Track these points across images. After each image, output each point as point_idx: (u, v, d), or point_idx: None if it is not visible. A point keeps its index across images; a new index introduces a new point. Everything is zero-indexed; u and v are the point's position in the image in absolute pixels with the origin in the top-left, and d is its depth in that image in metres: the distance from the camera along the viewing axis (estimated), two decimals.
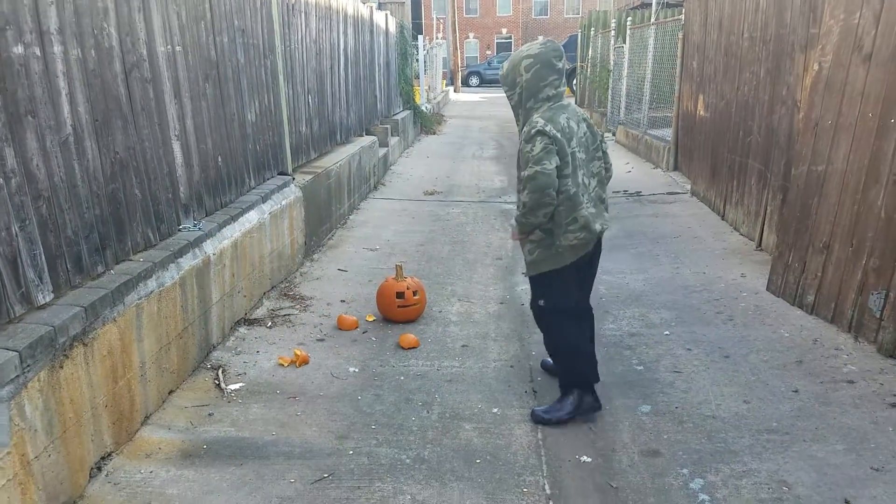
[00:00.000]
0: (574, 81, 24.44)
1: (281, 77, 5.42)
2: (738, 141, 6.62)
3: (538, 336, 4.29)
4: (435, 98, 19.13)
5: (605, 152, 3.32)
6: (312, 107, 6.37)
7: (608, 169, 3.37)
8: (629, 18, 13.09)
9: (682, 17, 9.34)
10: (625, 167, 10.29)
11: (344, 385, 3.66)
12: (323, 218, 6.31)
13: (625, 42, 12.88)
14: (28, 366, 2.33)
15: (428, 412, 3.37)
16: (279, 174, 5.43)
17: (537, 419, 3.27)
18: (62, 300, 2.68)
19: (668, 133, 10.35)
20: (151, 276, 3.19)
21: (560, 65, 3.07)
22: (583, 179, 3.12)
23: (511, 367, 3.89)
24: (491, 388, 3.64)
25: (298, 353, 3.90)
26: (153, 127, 3.45)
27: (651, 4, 21.15)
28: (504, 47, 44.68)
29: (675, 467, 2.87)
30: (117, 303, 2.89)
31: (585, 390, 3.29)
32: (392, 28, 11.75)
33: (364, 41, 9.07)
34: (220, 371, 3.74)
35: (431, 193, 8.72)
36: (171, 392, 3.43)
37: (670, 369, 3.79)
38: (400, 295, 4.45)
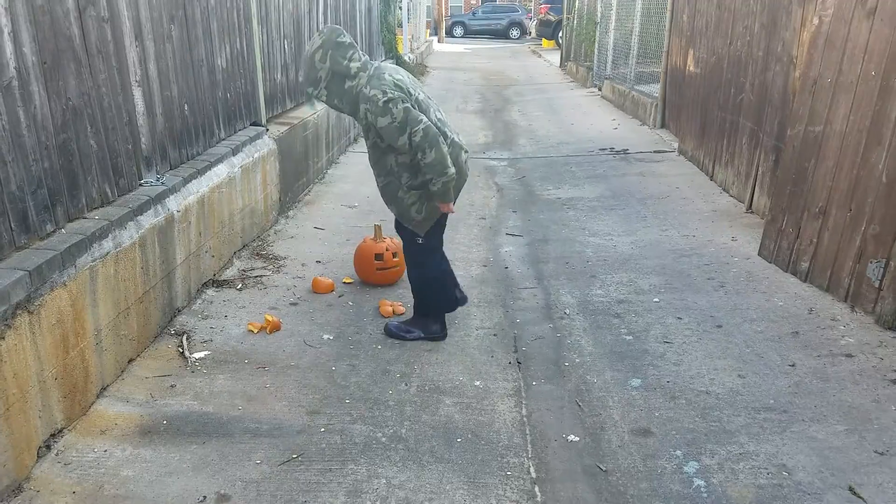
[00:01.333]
0: (559, 34, 23.99)
1: (255, 20, 5.06)
2: (729, 99, 6.40)
3: (523, 302, 4.13)
4: (418, 48, 18.58)
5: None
6: (289, 53, 6.01)
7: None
8: None
9: None
10: (611, 123, 10.05)
11: (317, 354, 3.46)
12: (299, 172, 6.02)
13: None
14: None
15: (406, 385, 3.19)
16: (252, 125, 5.12)
17: (390, 332, 3.60)
18: (4, 263, 2.42)
19: (655, 89, 10.08)
20: (107, 235, 2.93)
21: (347, 39, 3.13)
22: (436, 117, 3.26)
23: (494, 335, 3.71)
24: (473, 358, 3.46)
25: (269, 318, 3.69)
26: (111, 72, 3.14)
27: None
28: None
29: (668, 448, 2.73)
30: (67, 265, 2.63)
31: (437, 318, 3.59)
32: None
33: None
34: (184, 337, 3.51)
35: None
36: (130, 361, 3.21)
37: (661, 339, 3.64)
38: (378, 257, 4.23)
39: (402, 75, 3.26)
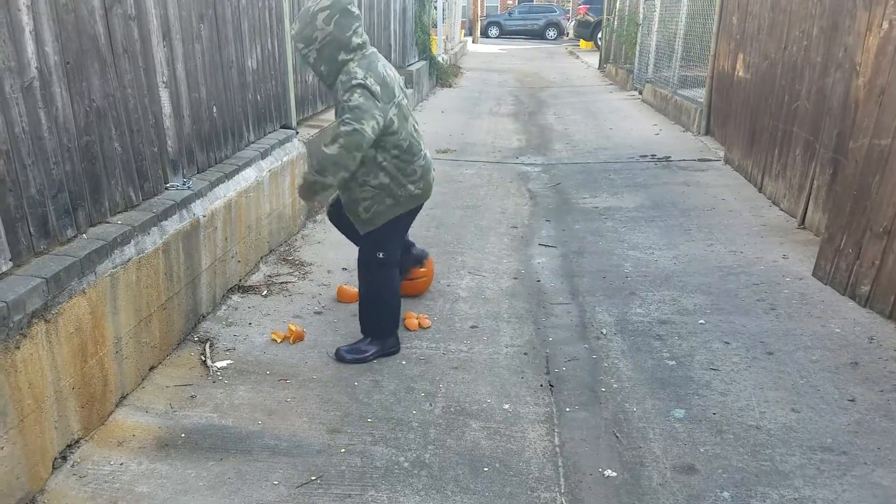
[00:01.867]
0: (598, 35, 23.62)
1: (286, 20, 4.95)
2: (782, 106, 6.11)
3: (556, 318, 3.94)
4: (452, 49, 18.44)
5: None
6: None
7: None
8: None
9: None
10: (652, 129, 9.77)
11: (339, 368, 3.32)
12: None
13: None
14: None
15: (431, 405, 3.03)
16: (282, 127, 5.01)
17: (340, 357, 3.36)
18: (22, 270, 2.33)
19: (699, 94, 9.77)
20: (129, 241, 2.83)
21: (356, 10, 2.99)
22: (413, 127, 3.17)
23: (525, 354, 3.53)
24: (502, 378, 3.29)
25: (293, 328, 3.56)
26: (137, 72, 3.04)
27: None
28: None
29: (714, 489, 2.53)
30: (87, 272, 2.53)
31: (389, 334, 3.42)
32: None
33: None
34: (207, 345, 3.41)
35: (444, 151, 8.27)
36: (152, 368, 3.11)
37: (706, 366, 3.42)
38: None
39: (394, 74, 3.16)
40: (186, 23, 3.46)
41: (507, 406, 3.04)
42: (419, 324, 3.76)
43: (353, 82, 2.91)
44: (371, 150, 3.04)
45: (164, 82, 3.26)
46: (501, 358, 3.47)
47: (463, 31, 24.83)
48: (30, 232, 2.39)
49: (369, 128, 2.88)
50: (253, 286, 4.15)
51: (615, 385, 3.25)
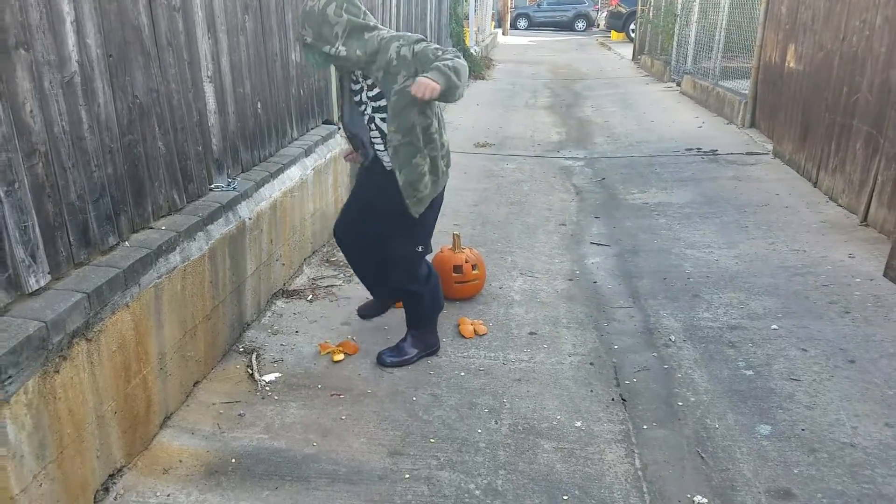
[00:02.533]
0: (630, 26, 23.13)
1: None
2: (840, 99, 5.78)
3: (618, 324, 3.71)
4: (483, 41, 18.15)
5: None
6: None
7: None
8: None
9: None
10: (695, 121, 9.44)
11: (395, 380, 3.12)
12: None
13: None
14: (10, 377, 1.81)
15: (496, 423, 2.81)
16: (324, 123, 4.82)
17: (382, 362, 3.22)
18: (62, 283, 2.15)
19: (742, 85, 9.40)
20: (175, 248, 2.65)
21: None
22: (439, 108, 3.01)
23: (591, 364, 3.31)
24: (569, 392, 3.06)
25: (348, 344, 3.36)
26: (181, 66, 2.86)
27: None
28: None
29: None
30: (131, 284, 2.35)
31: (434, 325, 3.33)
32: None
33: None
34: (253, 356, 3.23)
35: (483, 146, 8.03)
36: (196, 384, 2.93)
37: (786, 376, 3.17)
38: (457, 269, 3.86)
39: None
40: (231, 14, 3.28)
41: (578, 423, 2.82)
42: (475, 330, 3.55)
43: (416, 36, 2.82)
44: (424, 117, 2.87)
45: (208, 77, 3.08)
46: (566, 368, 3.25)
47: (493, 22, 24.51)
48: (69, 241, 2.22)
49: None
50: (297, 290, 3.97)
51: (692, 398, 3.01)
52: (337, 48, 2.74)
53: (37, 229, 2.04)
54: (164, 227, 2.68)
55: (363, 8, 2.83)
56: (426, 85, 2.58)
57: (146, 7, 2.60)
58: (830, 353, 3.36)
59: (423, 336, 3.31)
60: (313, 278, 4.18)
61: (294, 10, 4.13)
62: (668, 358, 3.35)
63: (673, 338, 3.54)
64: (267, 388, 3.00)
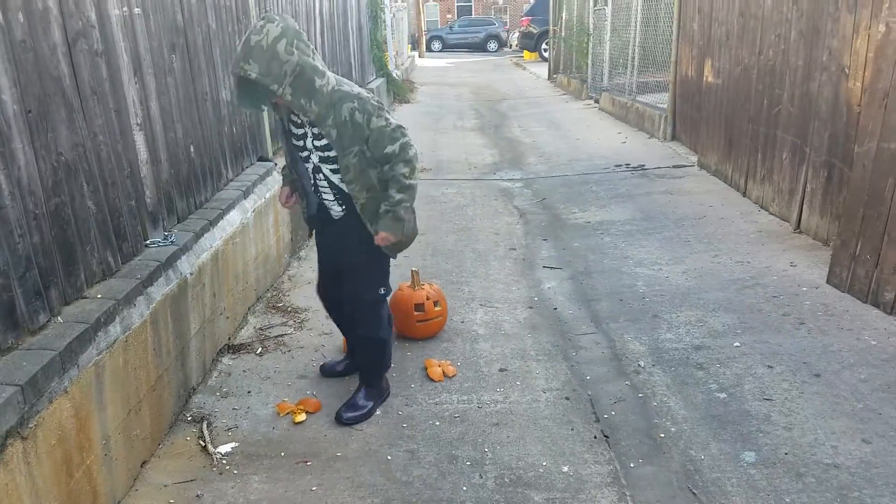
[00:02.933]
0: (542, 46, 23.66)
1: None
2: (762, 111, 5.97)
3: (586, 352, 3.63)
4: (402, 64, 18.12)
5: None
6: None
7: None
8: None
9: None
10: (618, 137, 9.62)
11: (366, 438, 2.91)
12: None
13: (606, 4, 12.10)
14: None
15: (481, 477, 2.65)
16: (259, 160, 4.57)
17: (341, 421, 3.00)
18: None
19: (659, 99, 9.67)
20: (114, 318, 2.37)
21: (300, 29, 2.64)
22: None
23: (566, 399, 3.20)
24: (550, 433, 2.93)
25: (309, 401, 3.12)
26: (108, 115, 2.60)
27: None
28: (465, 11, 43.39)
29: None
30: (69, 367, 2.08)
31: (384, 372, 3.19)
32: None
33: (337, 3, 8.12)
34: (204, 425, 2.95)
35: (420, 171, 7.89)
36: (143, 463, 2.64)
37: (759, 396, 3.15)
38: (419, 307, 3.70)
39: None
40: (157, 55, 3.03)
41: (566, 468, 2.68)
42: (443, 372, 3.39)
43: (373, 102, 2.73)
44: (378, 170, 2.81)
45: (138, 124, 2.82)
46: (542, 406, 3.12)
47: (409, 45, 24.58)
48: None
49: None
50: (244, 344, 3.70)
51: (673, 429, 2.94)
52: (283, 89, 2.53)
53: None
54: (100, 296, 2.40)
55: (311, 46, 2.65)
56: (386, 238, 2.79)
57: (65, 54, 2.34)
58: (795, 367, 3.37)
59: (377, 384, 3.15)
60: (260, 328, 3.92)
61: (222, 46, 3.90)
62: (640, 385, 3.28)
63: (642, 363, 3.48)
64: (224, 462, 2.74)
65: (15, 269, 2.01)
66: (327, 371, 3.41)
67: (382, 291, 3.02)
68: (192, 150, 3.40)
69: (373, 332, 3.04)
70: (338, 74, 2.98)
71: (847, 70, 4.58)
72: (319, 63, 2.64)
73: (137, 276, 2.60)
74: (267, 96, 2.64)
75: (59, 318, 2.20)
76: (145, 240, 2.89)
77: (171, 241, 2.97)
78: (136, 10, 2.83)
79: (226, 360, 3.54)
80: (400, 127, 2.74)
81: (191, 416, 3.03)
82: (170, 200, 3.14)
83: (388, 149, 2.71)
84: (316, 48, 6.68)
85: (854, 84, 4.47)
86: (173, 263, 2.90)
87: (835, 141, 4.75)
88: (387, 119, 2.71)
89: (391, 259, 3.03)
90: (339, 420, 3.01)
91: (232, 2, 4.12)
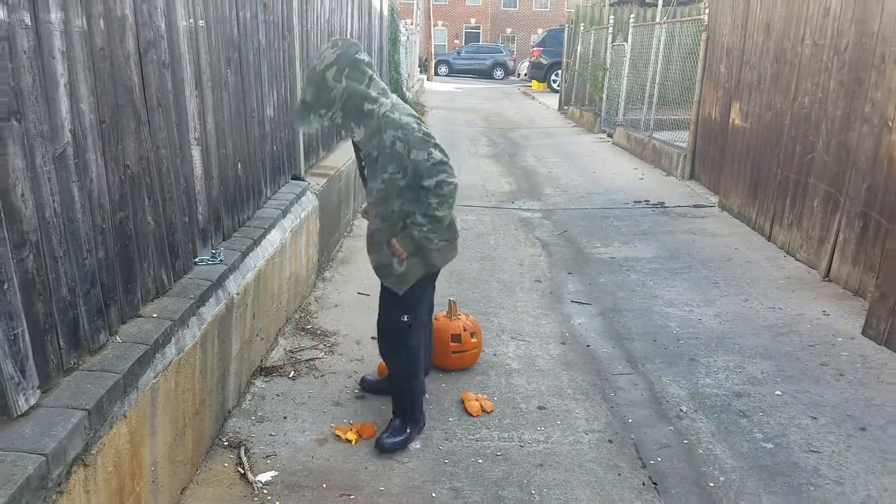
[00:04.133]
0: (551, 77, 23.85)
1: (297, 63, 4.50)
2: (793, 157, 5.96)
3: (624, 393, 3.55)
4: (413, 87, 18.22)
5: None
6: None
7: None
8: (632, 15, 12.40)
9: (705, 17, 8.68)
10: (634, 172, 9.63)
11: (408, 472, 2.82)
12: (333, 227, 5.42)
13: (626, 40, 12.20)
14: None
15: None
16: (293, 179, 4.52)
17: (383, 448, 2.94)
18: (53, 398, 1.78)
19: (677, 137, 9.70)
20: (171, 339, 2.29)
21: (366, 57, 2.70)
22: None
23: (609, 441, 3.12)
24: (597, 476, 2.85)
25: (366, 427, 3.07)
26: (170, 128, 2.54)
27: (628, 1, 20.66)
28: (472, 37, 43.90)
29: None
30: (130, 390, 2.00)
31: (420, 399, 3.12)
32: (385, 10, 10.81)
33: (364, 23, 8.14)
34: (241, 451, 2.85)
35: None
36: (183, 490, 2.54)
37: (805, 448, 3.08)
38: (456, 338, 3.63)
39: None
40: (216, 68, 2.98)
41: None
42: (481, 407, 3.30)
43: (419, 133, 2.69)
44: (409, 203, 2.79)
45: (195, 139, 2.76)
46: (586, 448, 3.04)
47: (419, 69, 24.75)
48: (59, 345, 1.85)
49: (454, 171, 2.77)
50: (276, 367, 3.61)
51: (721, 478, 2.86)
52: (334, 113, 2.63)
53: (26, 337, 1.68)
54: (155, 315, 2.32)
55: (370, 72, 2.66)
56: (395, 247, 2.82)
57: (137, 64, 2.29)
58: (839, 420, 3.31)
59: (409, 414, 3.08)
60: (290, 350, 3.83)
61: (270, 63, 3.86)
62: (684, 431, 3.21)
63: (684, 408, 3.41)
64: (265, 491, 2.64)
65: (81, 285, 1.94)
66: (367, 385, 3.42)
67: (405, 319, 2.97)
68: (239, 167, 3.34)
69: (392, 363, 3.06)
70: None
71: (891, 123, 4.58)
72: (374, 89, 2.67)
73: (190, 295, 2.53)
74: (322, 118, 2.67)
75: (117, 338, 2.12)
76: (195, 257, 2.82)
77: (221, 260, 2.89)
78: (201, 23, 2.79)
79: (259, 382, 3.45)
80: (442, 163, 2.70)
81: (227, 441, 2.94)
82: (218, 218, 3.08)
83: (426, 182, 2.70)
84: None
85: None
86: (223, 283, 2.82)
87: (873, 192, 4.73)
88: (429, 153, 2.68)
89: (419, 293, 2.98)
90: (380, 446, 2.96)
91: (279, 18, 4.09)
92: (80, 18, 1.90)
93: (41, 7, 1.71)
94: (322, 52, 2.65)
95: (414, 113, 2.80)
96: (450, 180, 2.71)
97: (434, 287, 3.26)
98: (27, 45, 1.67)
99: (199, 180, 2.81)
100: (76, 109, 1.92)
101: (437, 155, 2.69)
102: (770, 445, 3.10)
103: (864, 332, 4.27)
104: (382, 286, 3.01)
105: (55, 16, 1.77)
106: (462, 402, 3.36)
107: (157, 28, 2.40)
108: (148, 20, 2.33)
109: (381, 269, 2.94)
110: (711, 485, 2.83)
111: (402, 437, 2.99)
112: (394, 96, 2.81)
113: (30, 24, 1.67)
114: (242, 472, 2.73)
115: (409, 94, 15.15)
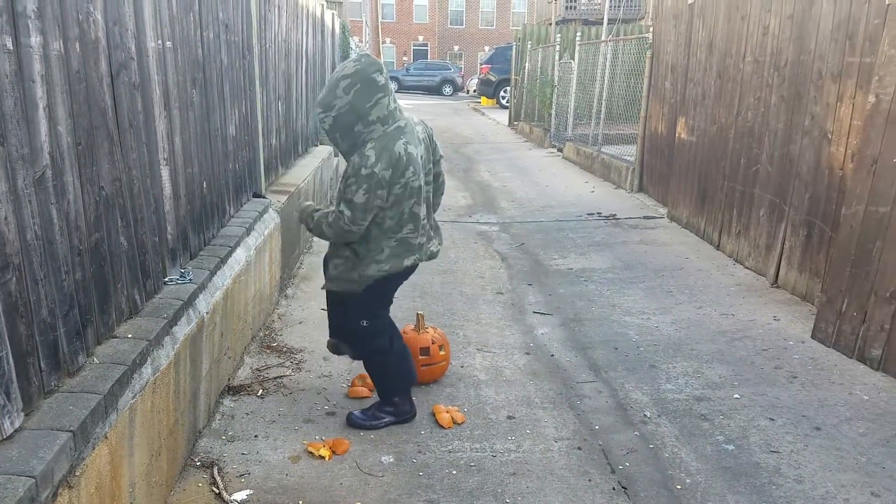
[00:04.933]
0: (500, 93, 24.25)
1: (258, 82, 4.51)
2: (738, 169, 6.23)
3: (590, 401, 3.65)
4: None
5: (439, 172, 3.22)
6: (282, 115, 5.46)
7: (438, 189, 3.27)
8: (578, 34, 12.74)
9: (650, 35, 9.00)
10: (586, 186, 9.88)
11: (383, 486, 2.85)
12: (293, 243, 5.41)
13: (573, 58, 12.52)
14: None
15: None
16: (254, 196, 4.51)
17: (352, 422, 3.23)
18: (37, 420, 1.77)
19: (624, 151, 10.00)
20: (147, 359, 2.28)
21: (382, 80, 2.81)
22: (410, 209, 2.94)
23: (578, 448, 3.20)
24: (569, 484, 2.93)
25: (339, 443, 3.08)
26: (141, 149, 2.54)
27: (573, 20, 21.22)
28: (420, 54, 44.20)
29: None
30: (111, 411, 1.98)
31: (401, 397, 3.28)
32: (337, 28, 10.85)
33: (318, 41, 8.17)
34: (214, 470, 2.83)
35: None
36: None
37: (765, 448, 3.22)
38: (424, 351, 3.67)
39: (416, 152, 2.90)
40: (182, 88, 2.98)
41: None
42: (452, 419, 3.35)
43: (363, 172, 2.78)
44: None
45: (165, 159, 2.76)
46: (556, 456, 3.12)
47: None
48: (40, 367, 1.83)
49: (364, 224, 2.87)
50: (244, 385, 3.59)
51: (688, 480, 2.97)
52: (326, 117, 2.82)
53: (10, 360, 1.66)
54: (129, 336, 2.31)
55: (380, 94, 2.78)
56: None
57: (109, 86, 2.28)
58: (796, 420, 3.47)
59: (391, 403, 3.29)
60: (257, 369, 3.81)
61: (231, 82, 3.87)
62: (650, 436, 3.32)
63: (648, 413, 3.52)
64: None
65: (61, 307, 1.92)
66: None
67: (365, 324, 3.14)
68: (204, 185, 3.34)
69: (361, 355, 3.30)
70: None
71: (830, 135, 4.84)
72: (378, 112, 2.78)
73: (163, 315, 2.51)
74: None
75: (94, 359, 2.10)
76: (164, 277, 2.80)
77: (190, 279, 2.88)
78: (168, 44, 2.79)
79: (227, 401, 3.43)
80: (343, 213, 2.84)
81: (199, 461, 2.91)
82: (185, 237, 3.06)
83: (337, 206, 2.92)
84: (302, 86, 6.70)
85: (837, 149, 4.72)
86: (193, 302, 2.81)
87: (815, 201, 4.99)
88: (352, 190, 2.79)
89: (367, 301, 3.11)
90: (350, 420, 3.25)
91: (240, 38, 4.10)
92: (58, 42, 1.90)
93: (22, 31, 1.71)
94: (347, 61, 2.84)
95: (408, 149, 2.82)
96: (349, 226, 2.86)
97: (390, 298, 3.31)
98: (9, 69, 1.66)
99: (168, 200, 2.80)
100: (54, 132, 1.91)
101: (359, 198, 2.79)
102: (732, 447, 3.23)
103: (813, 336, 4.48)
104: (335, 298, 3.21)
105: (35, 40, 1.77)
106: (433, 414, 3.40)
107: (128, 50, 2.40)
108: (120, 42, 2.33)
109: (325, 259, 3.20)
110: (679, 487, 2.93)
111: (371, 421, 3.24)
112: (400, 125, 2.87)
113: (11, 48, 1.67)
114: (217, 491, 2.71)
115: None
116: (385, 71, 2.84)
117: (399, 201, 2.89)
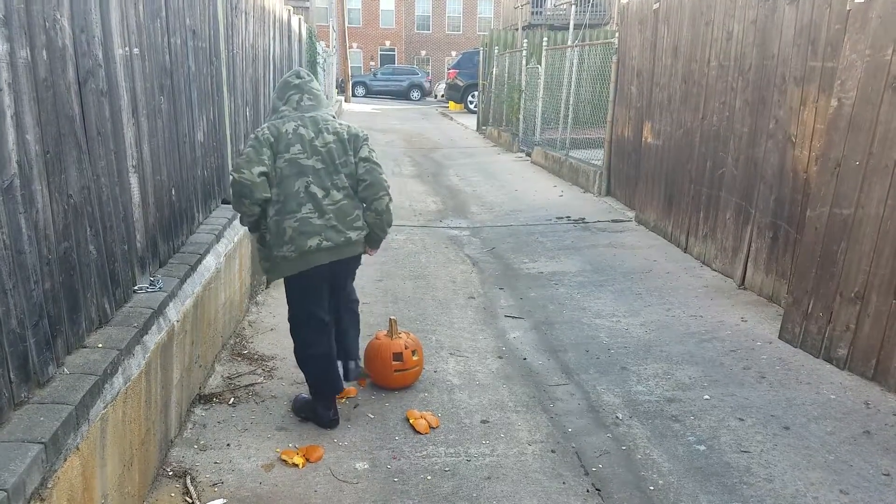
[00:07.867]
0: (468, 98, 24.32)
1: (225, 87, 4.47)
2: (704, 172, 6.34)
3: (562, 403, 3.69)
4: (331, 108, 18.13)
5: (370, 167, 3.29)
6: (250, 121, 5.41)
7: (364, 184, 3.28)
8: (545, 39, 12.87)
9: (615, 40, 9.13)
10: (554, 190, 9.95)
11: (358, 493, 2.84)
12: None
13: (540, 63, 12.63)
14: None
15: None
16: (223, 202, 4.46)
17: (295, 408, 3.43)
18: (6, 432, 1.75)
19: (591, 155, 10.11)
20: (118, 369, 2.24)
21: (296, 80, 3.24)
22: (305, 189, 3.07)
23: (552, 451, 3.23)
24: (543, 487, 2.95)
25: (312, 450, 3.05)
26: (109, 157, 2.50)
27: (539, 25, 21.43)
28: (388, 59, 44.10)
29: None
30: (82, 422, 1.95)
31: (319, 401, 3.32)
32: (304, 33, 10.81)
33: (285, 47, 8.12)
34: (187, 480, 2.80)
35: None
36: None
37: (736, 448, 3.28)
38: (398, 357, 3.67)
39: (315, 137, 3.13)
40: (150, 95, 2.94)
41: None
42: (428, 424, 3.35)
43: (252, 134, 3.13)
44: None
45: (133, 166, 2.72)
46: (530, 459, 3.14)
47: (336, 90, 24.70)
48: (10, 379, 1.80)
49: (248, 173, 2.98)
50: (215, 394, 3.55)
51: (660, 481, 3.01)
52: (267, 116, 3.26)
53: None
54: (100, 345, 2.27)
55: (291, 93, 3.20)
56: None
57: (77, 94, 2.25)
58: (765, 420, 3.54)
59: (313, 400, 3.36)
60: (228, 377, 3.77)
61: (199, 88, 3.82)
62: (622, 438, 3.36)
63: (619, 415, 3.56)
64: None
65: (30, 317, 1.88)
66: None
67: (289, 312, 3.37)
68: (173, 192, 3.29)
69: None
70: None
71: (794, 139, 4.96)
72: (289, 105, 3.18)
73: (134, 324, 2.47)
74: None
75: (64, 370, 2.06)
76: (134, 285, 2.76)
77: (160, 287, 2.84)
78: (136, 51, 2.75)
79: (198, 410, 3.38)
80: (241, 157, 3.08)
81: (171, 470, 2.87)
82: (154, 244, 3.02)
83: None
84: (269, 92, 6.65)
85: (801, 152, 4.84)
86: (163, 310, 2.77)
87: (780, 204, 5.10)
88: (242, 150, 3.29)
89: (294, 295, 3.33)
90: (295, 404, 3.47)
91: (207, 44, 4.06)
92: (25, 49, 1.86)
93: None
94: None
95: (290, 127, 3.09)
96: (233, 175, 3.02)
97: (322, 293, 3.32)
98: None
99: (137, 207, 2.76)
100: (22, 140, 1.87)
101: (244, 150, 3.10)
102: (703, 448, 3.29)
103: (780, 336, 4.57)
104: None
105: (2, 48, 1.74)
106: (407, 419, 3.40)
107: (95, 57, 2.36)
108: (87, 49, 2.29)
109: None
110: (651, 488, 2.97)
111: (299, 408, 3.40)
112: (312, 114, 3.18)
113: None
114: (190, 501, 2.67)
115: None
116: (304, 75, 3.27)
117: (288, 175, 3.05)
